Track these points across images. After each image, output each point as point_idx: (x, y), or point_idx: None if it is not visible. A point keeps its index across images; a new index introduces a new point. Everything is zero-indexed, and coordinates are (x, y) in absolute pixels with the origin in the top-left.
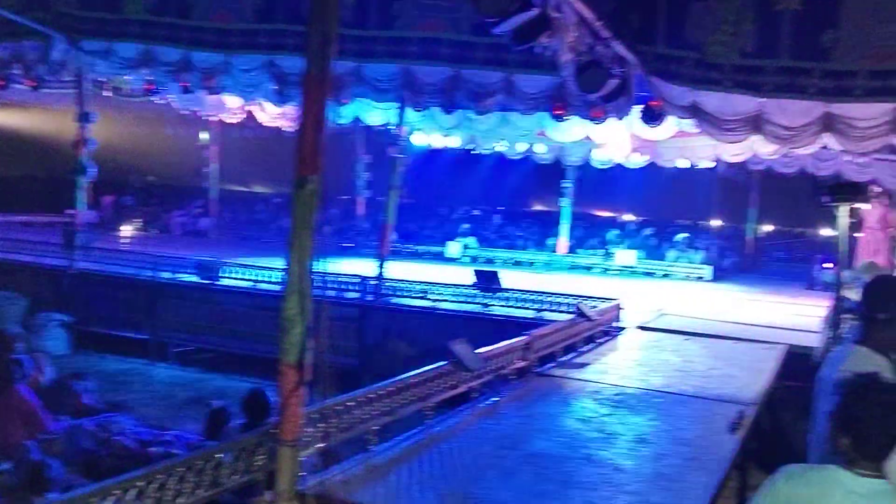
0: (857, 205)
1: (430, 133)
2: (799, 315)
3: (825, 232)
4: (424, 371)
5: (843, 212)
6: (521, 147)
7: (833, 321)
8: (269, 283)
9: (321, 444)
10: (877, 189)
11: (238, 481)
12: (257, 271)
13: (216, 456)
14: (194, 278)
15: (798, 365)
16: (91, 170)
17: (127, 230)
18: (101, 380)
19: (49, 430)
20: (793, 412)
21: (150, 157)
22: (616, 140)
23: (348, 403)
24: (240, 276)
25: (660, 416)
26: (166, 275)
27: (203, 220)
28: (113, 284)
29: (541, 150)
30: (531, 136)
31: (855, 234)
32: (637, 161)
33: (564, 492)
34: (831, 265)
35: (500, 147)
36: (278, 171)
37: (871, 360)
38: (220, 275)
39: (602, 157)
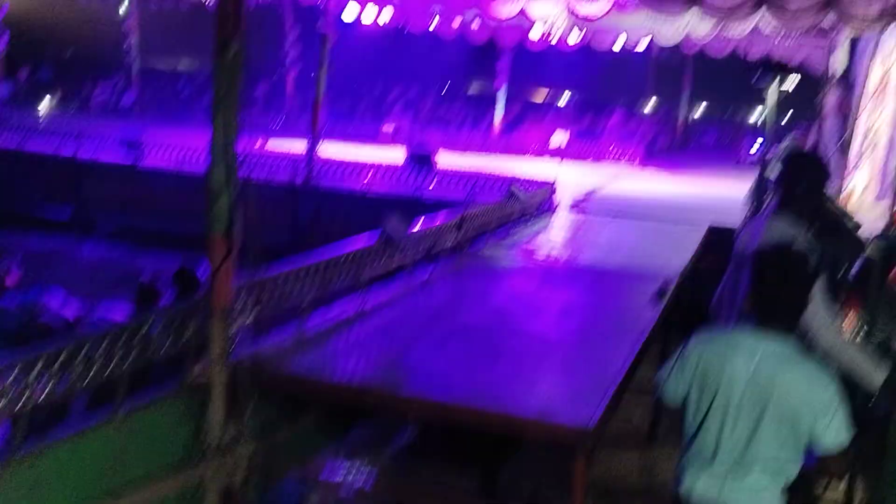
0: (783, 85)
1: (361, 7)
2: (724, 194)
3: (756, 113)
4: (357, 247)
5: (771, 91)
6: (455, 23)
7: (754, 198)
8: (196, 160)
9: (252, 316)
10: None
11: (169, 352)
12: (183, 148)
13: (146, 326)
14: (119, 157)
15: (720, 242)
16: (2, 36)
17: (44, 105)
18: (25, 259)
19: None
20: (712, 286)
21: (67, 29)
22: (552, 17)
23: (279, 277)
24: (166, 153)
25: (586, 291)
26: (90, 153)
27: (125, 95)
28: (33, 162)
29: (475, 27)
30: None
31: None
32: (573, 40)
33: (494, 360)
34: (758, 144)
35: (434, 23)
36: (203, 47)
37: (787, 232)
38: (145, 153)
39: (538, 36)
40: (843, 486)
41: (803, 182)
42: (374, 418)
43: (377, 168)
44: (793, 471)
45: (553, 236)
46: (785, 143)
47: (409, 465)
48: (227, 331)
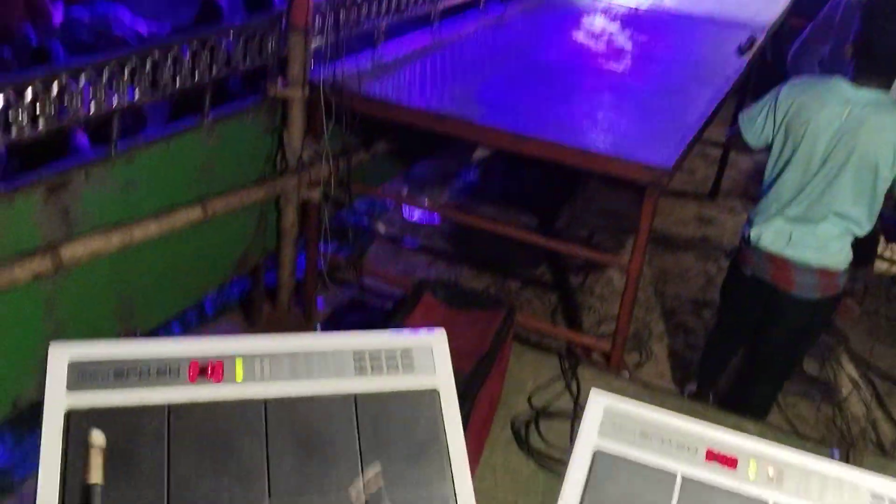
0: None
1: None
2: None
3: None
4: None
5: None
6: None
7: None
8: None
9: (329, 38)
10: None
11: (249, 65)
12: None
13: (228, 37)
14: None
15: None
16: None
17: None
18: None
19: (49, 19)
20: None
21: None
22: None
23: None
24: None
25: (669, 37)
26: None
27: None
28: None
29: None
30: None
31: None
32: None
33: (570, 96)
34: None
35: None
36: None
37: None
38: None
39: None
40: None
41: None
42: (443, 152)
43: None
44: (862, 229)
45: None
46: None
47: (473, 201)
48: (306, 49)
